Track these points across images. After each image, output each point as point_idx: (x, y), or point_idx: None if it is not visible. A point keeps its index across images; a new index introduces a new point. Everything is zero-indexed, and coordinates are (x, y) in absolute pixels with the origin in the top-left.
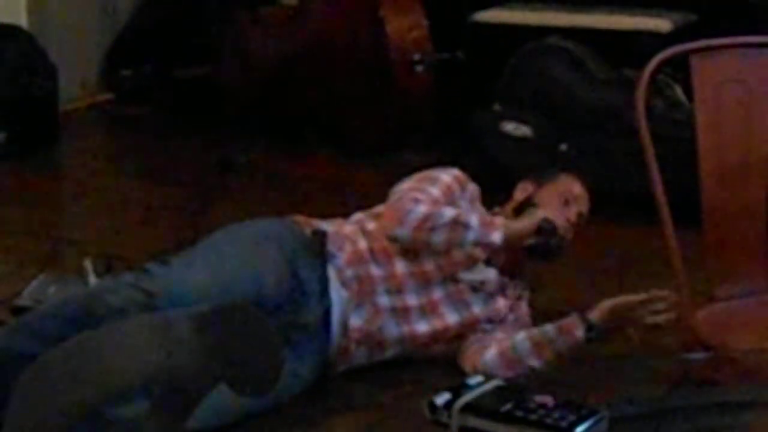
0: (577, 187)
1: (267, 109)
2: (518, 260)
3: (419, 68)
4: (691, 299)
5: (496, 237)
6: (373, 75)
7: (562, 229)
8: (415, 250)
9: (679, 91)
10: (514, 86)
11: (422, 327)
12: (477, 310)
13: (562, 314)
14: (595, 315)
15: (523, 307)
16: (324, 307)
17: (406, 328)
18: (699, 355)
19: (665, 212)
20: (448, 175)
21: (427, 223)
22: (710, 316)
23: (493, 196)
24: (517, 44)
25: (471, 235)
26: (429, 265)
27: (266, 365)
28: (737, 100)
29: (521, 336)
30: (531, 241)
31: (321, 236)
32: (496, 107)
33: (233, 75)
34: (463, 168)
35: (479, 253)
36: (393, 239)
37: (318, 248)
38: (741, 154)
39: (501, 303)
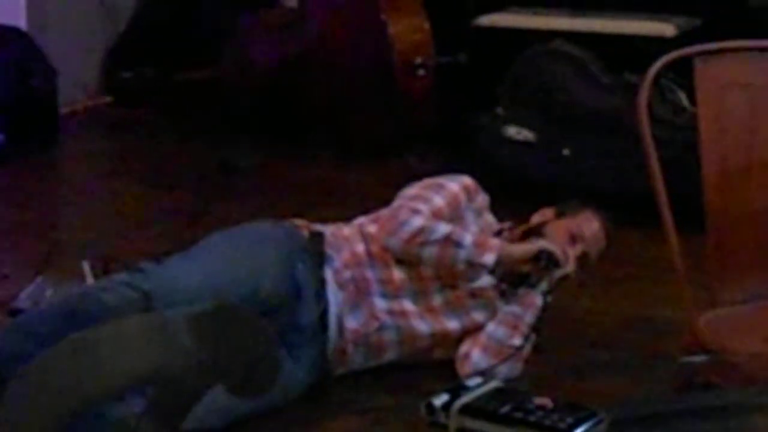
0: (590, 227)
1: (268, 112)
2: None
3: (421, 72)
4: (694, 303)
5: (488, 259)
6: (374, 78)
7: (561, 263)
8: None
9: (682, 95)
10: (517, 90)
11: (421, 327)
12: (478, 315)
13: (564, 322)
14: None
15: (527, 316)
16: (320, 309)
17: (404, 330)
18: (701, 359)
19: (668, 216)
20: (456, 184)
21: (419, 238)
22: (713, 320)
23: (495, 202)
24: (520, 48)
25: (462, 254)
26: (427, 272)
27: (262, 366)
28: (741, 105)
29: (492, 325)
30: (525, 268)
31: (318, 238)
32: (499, 111)
33: (234, 78)
34: (464, 173)
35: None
36: (385, 248)
37: (315, 250)
38: (745, 158)
39: (500, 309)
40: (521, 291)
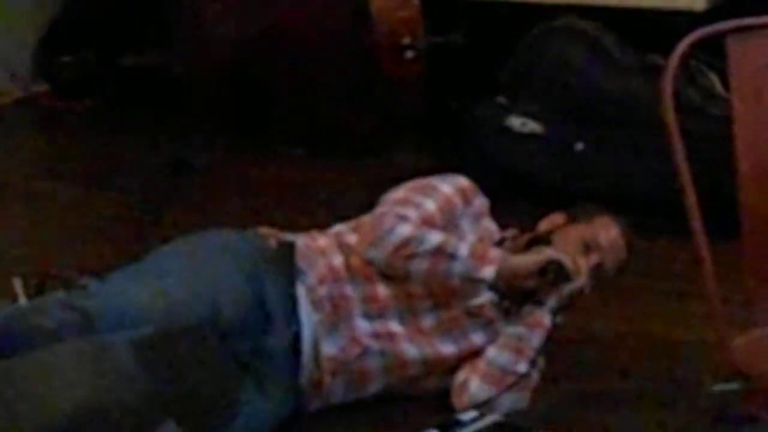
0: (607, 236)
1: (229, 102)
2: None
3: (409, 54)
4: (728, 323)
5: (488, 272)
6: (354, 62)
7: (572, 276)
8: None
9: (715, 79)
10: (522, 75)
11: (411, 352)
12: (476, 338)
13: (577, 343)
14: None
15: (534, 339)
16: (292, 332)
17: (391, 356)
18: (736, 387)
19: (697, 221)
20: (450, 186)
21: (407, 249)
22: (750, 342)
23: (496, 206)
24: (525, 26)
25: (457, 268)
26: (417, 289)
27: (216, 397)
28: None
29: (494, 349)
30: (531, 283)
31: (288, 249)
32: (500, 100)
33: (189, 62)
34: (460, 172)
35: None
36: (367, 261)
37: (285, 264)
38: None
39: (502, 329)
40: (526, 309)
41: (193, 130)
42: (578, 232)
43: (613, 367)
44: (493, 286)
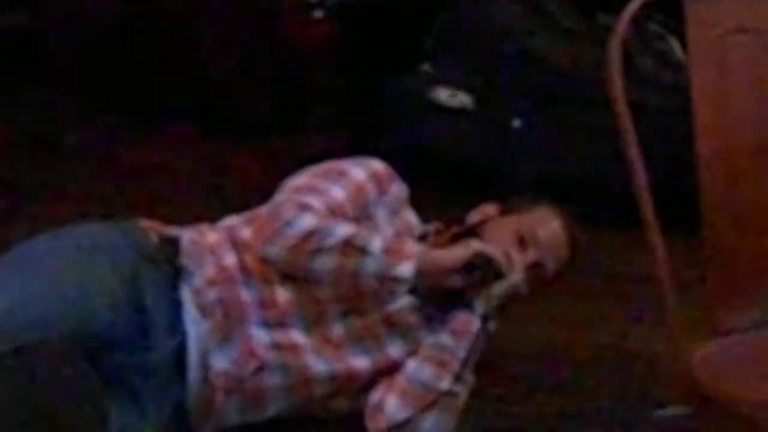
0: (546, 229)
1: (104, 72)
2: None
3: (317, 13)
4: (687, 332)
5: (405, 270)
6: (253, 25)
7: (504, 272)
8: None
9: (675, 44)
10: (450, 40)
11: (317, 367)
12: (394, 350)
13: (518, 357)
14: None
15: (461, 349)
16: (176, 343)
17: (293, 371)
18: (695, 409)
19: (650, 214)
20: (362, 171)
21: (309, 244)
22: (712, 355)
23: (418, 195)
24: None
25: (370, 266)
26: (323, 291)
27: (80, 421)
28: (749, 59)
29: (414, 363)
30: (456, 282)
31: (172, 246)
32: (425, 68)
33: (60, 25)
34: (379, 153)
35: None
36: (264, 260)
37: (167, 262)
38: (754, 134)
39: (424, 338)
40: (452, 314)
41: (62, 103)
42: (513, 224)
43: (553, 384)
44: (412, 287)
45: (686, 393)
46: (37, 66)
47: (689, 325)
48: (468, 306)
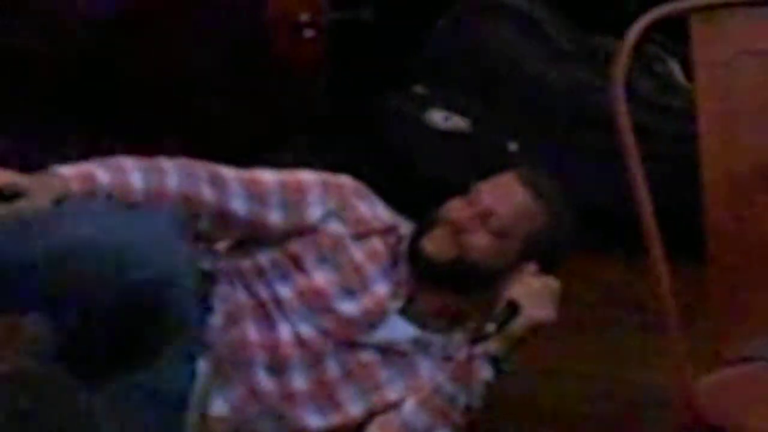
0: (499, 190)
1: (85, 91)
2: (450, 303)
3: (308, 33)
4: (690, 362)
5: None
6: (241, 42)
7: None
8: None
9: (675, 68)
10: (443, 60)
11: (314, 423)
12: (391, 391)
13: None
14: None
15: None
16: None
17: (287, 425)
18: None
19: (655, 241)
20: (314, 174)
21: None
22: (717, 385)
23: (413, 218)
24: (447, 0)
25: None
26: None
27: None
28: (756, 81)
29: (411, 407)
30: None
31: None
32: (418, 89)
33: (35, 41)
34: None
35: (387, 302)
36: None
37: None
38: (761, 160)
39: (424, 370)
40: (459, 350)
41: (39, 126)
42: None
43: (551, 417)
44: (409, 313)
45: (692, 423)
46: (9, 87)
47: (694, 355)
48: (478, 340)
